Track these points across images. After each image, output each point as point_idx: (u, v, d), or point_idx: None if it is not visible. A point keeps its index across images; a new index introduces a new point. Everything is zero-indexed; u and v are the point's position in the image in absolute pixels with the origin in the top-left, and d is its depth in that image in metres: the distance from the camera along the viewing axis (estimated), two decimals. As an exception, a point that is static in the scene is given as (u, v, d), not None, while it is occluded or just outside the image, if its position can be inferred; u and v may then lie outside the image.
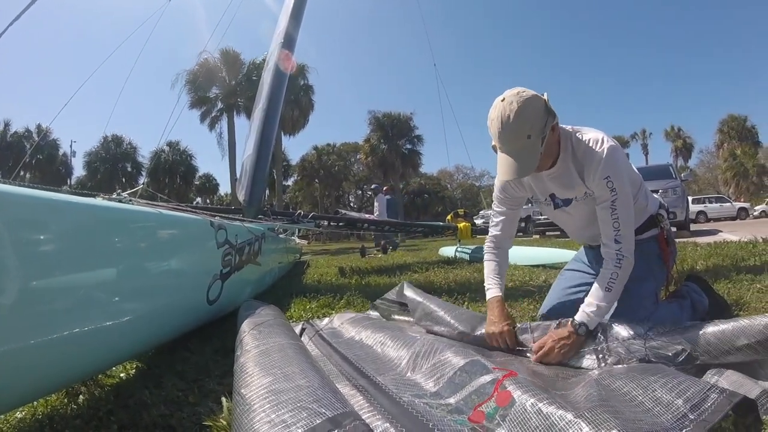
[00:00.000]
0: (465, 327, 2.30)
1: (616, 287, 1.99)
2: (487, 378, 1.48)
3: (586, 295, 2.12)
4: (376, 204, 13.95)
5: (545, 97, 1.98)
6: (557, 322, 2.07)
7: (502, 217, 2.50)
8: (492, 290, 2.34)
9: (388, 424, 1.30)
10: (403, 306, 2.90)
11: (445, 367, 1.64)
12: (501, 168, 2.00)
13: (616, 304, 2.07)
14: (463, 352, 1.73)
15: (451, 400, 1.46)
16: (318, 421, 1.04)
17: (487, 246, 2.52)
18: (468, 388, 1.49)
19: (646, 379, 1.39)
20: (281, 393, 1.19)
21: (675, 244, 2.48)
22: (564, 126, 2.14)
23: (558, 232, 14.43)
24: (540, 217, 14.90)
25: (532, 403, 1.25)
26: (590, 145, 2.06)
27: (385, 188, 14.54)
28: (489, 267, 2.45)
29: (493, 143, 2.03)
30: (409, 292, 2.83)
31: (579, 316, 1.96)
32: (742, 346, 1.53)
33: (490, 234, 2.54)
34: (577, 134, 2.12)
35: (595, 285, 2.03)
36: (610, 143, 2.04)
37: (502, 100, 1.95)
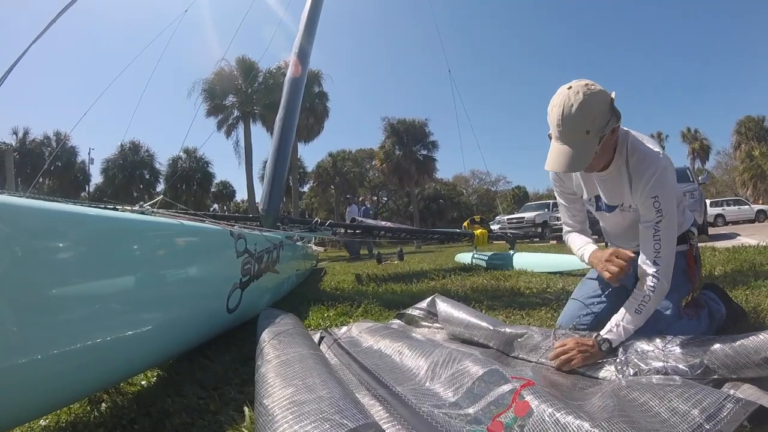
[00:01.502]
0: (497, 326, 2.34)
1: (647, 310, 1.95)
2: (505, 388, 1.49)
3: (606, 306, 2.11)
4: (348, 213, 15.26)
5: (613, 95, 1.90)
6: (584, 334, 2.07)
7: (566, 209, 2.50)
8: (587, 249, 2.32)
9: None
10: (432, 315, 2.92)
11: (464, 377, 1.64)
12: (551, 158, 1.95)
13: None
14: (482, 361, 1.73)
15: (470, 411, 1.46)
16: None
17: (567, 234, 2.53)
18: (487, 398, 1.49)
19: (662, 389, 1.39)
20: (303, 404, 1.21)
21: (701, 260, 2.46)
22: (622, 128, 2.06)
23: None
24: (557, 222, 14.83)
25: (549, 413, 1.25)
26: (645, 157, 2.00)
27: (360, 198, 15.46)
28: (574, 240, 2.46)
29: (550, 132, 1.97)
30: (441, 303, 2.84)
31: (605, 332, 1.94)
32: (759, 361, 1.52)
33: (564, 222, 2.55)
34: (633, 141, 2.06)
35: (627, 304, 1.99)
36: (664, 161, 1.98)
37: (569, 88, 1.87)
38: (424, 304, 3.06)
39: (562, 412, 1.24)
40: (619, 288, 2.29)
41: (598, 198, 2.32)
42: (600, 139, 1.89)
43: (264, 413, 1.25)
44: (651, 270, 1.98)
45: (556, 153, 1.92)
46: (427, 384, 1.73)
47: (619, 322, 1.95)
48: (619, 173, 2.10)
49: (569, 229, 2.53)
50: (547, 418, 1.25)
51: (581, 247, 2.37)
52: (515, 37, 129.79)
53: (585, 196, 2.39)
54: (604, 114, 1.86)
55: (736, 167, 46.90)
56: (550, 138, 1.97)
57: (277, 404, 1.25)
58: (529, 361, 2.08)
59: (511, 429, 1.30)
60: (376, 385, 1.74)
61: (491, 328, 2.33)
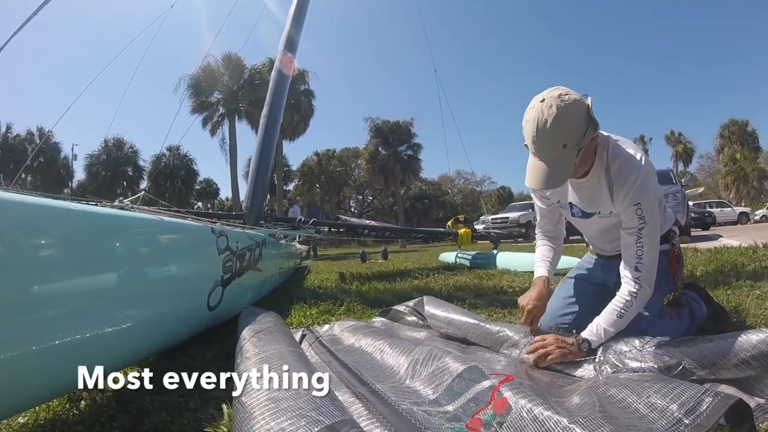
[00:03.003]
0: (483, 323, 2.33)
1: (628, 315, 1.94)
2: (484, 384, 1.48)
3: (585, 306, 2.11)
4: (290, 214, 15.93)
5: (589, 102, 1.84)
6: (564, 334, 2.07)
7: (542, 212, 2.49)
8: (539, 270, 2.38)
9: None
10: (417, 313, 2.90)
11: (444, 375, 1.64)
12: (529, 174, 1.91)
13: None
14: (462, 358, 1.73)
15: (450, 408, 1.47)
16: (316, 429, 1.06)
17: (540, 233, 2.54)
18: (466, 395, 1.49)
19: (640, 385, 1.40)
20: (280, 401, 1.21)
21: (683, 261, 2.47)
22: (601, 132, 2.01)
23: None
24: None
25: (528, 410, 1.25)
26: (626, 163, 1.97)
27: (298, 201, 16.31)
28: (538, 252, 2.48)
29: (526, 143, 1.91)
30: (429, 303, 2.82)
31: (585, 333, 1.94)
32: (736, 361, 1.53)
33: (537, 227, 2.56)
34: (613, 146, 2.03)
35: (609, 307, 1.98)
36: (647, 167, 1.95)
37: (542, 101, 1.80)
38: (411, 303, 3.03)
39: (541, 407, 1.24)
40: (600, 288, 2.29)
41: (571, 205, 2.30)
42: (578, 152, 1.86)
43: (241, 410, 1.25)
44: (633, 275, 1.96)
45: (533, 169, 1.90)
46: (408, 381, 1.73)
47: (600, 324, 1.94)
48: (598, 180, 2.07)
49: (541, 233, 2.53)
50: (525, 414, 1.25)
51: (540, 260, 2.43)
52: (503, 39, 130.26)
53: (557, 200, 2.37)
54: (580, 125, 1.82)
55: (719, 170, 47.44)
56: (527, 149, 1.93)
57: (255, 401, 1.25)
58: (510, 356, 2.08)
59: (490, 426, 1.30)
60: (357, 382, 1.73)
61: (476, 323, 2.33)
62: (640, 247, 1.96)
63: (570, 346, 1.90)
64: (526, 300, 2.22)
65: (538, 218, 2.54)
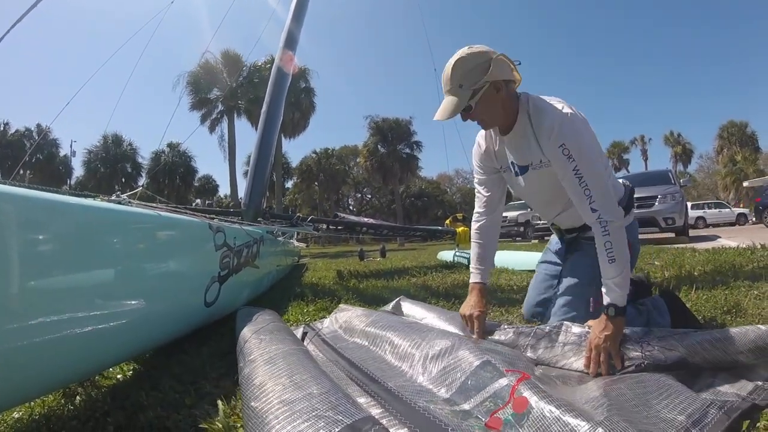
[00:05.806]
0: (457, 329, 2.30)
1: (618, 254, 1.89)
2: (502, 382, 1.46)
3: (559, 286, 2.12)
4: None
5: (495, 56, 2.00)
6: (556, 326, 2.03)
7: (483, 189, 2.51)
8: (474, 276, 2.39)
9: (406, 429, 1.28)
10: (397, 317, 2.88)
11: (456, 371, 1.62)
12: (439, 110, 2.06)
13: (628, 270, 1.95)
14: (475, 353, 1.69)
15: (466, 406, 1.44)
16: (337, 430, 1.04)
17: (473, 227, 2.52)
18: (482, 393, 1.46)
19: (649, 394, 1.43)
20: (294, 403, 1.19)
21: (639, 244, 2.48)
22: (527, 92, 2.16)
23: (556, 237, 14.36)
24: (539, 222, 14.96)
25: (550, 410, 1.23)
26: (546, 111, 2.05)
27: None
28: (473, 253, 2.47)
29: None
30: (406, 305, 2.84)
31: (604, 300, 1.90)
32: (734, 354, 1.59)
33: (475, 212, 2.53)
34: (535, 100, 2.11)
35: (600, 263, 1.94)
36: (568, 110, 2.02)
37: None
38: (389, 306, 3.03)
39: (563, 408, 1.22)
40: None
41: (512, 164, 2.34)
42: (474, 92, 2.00)
43: (253, 416, 1.22)
44: (593, 217, 1.95)
45: (441, 105, 2.06)
46: (419, 379, 1.71)
47: (606, 282, 1.91)
48: (524, 132, 2.15)
49: (476, 228, 2.50)
50: (547, 414, 1.22)
51: (473, 265, 2.45)
52: (504, 40, 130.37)
53: (502, 167, 2.41)
54: (476, 72, 1.98)
55: (719, 171, 47.56)
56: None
57: (267, 405, 1.21)
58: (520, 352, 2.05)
59: (510, 425, 1.29)
60: (367, 380, 1.69)
61: (459, 333, 2.29)
62: (585, 187, 1.96)
63: (608, 330, 1.80)
64: (469, 309, 2.24)
65: (476, 204, 2.55)
